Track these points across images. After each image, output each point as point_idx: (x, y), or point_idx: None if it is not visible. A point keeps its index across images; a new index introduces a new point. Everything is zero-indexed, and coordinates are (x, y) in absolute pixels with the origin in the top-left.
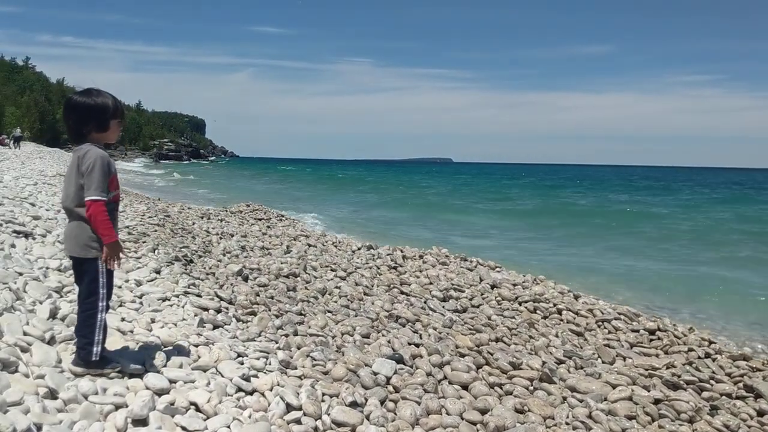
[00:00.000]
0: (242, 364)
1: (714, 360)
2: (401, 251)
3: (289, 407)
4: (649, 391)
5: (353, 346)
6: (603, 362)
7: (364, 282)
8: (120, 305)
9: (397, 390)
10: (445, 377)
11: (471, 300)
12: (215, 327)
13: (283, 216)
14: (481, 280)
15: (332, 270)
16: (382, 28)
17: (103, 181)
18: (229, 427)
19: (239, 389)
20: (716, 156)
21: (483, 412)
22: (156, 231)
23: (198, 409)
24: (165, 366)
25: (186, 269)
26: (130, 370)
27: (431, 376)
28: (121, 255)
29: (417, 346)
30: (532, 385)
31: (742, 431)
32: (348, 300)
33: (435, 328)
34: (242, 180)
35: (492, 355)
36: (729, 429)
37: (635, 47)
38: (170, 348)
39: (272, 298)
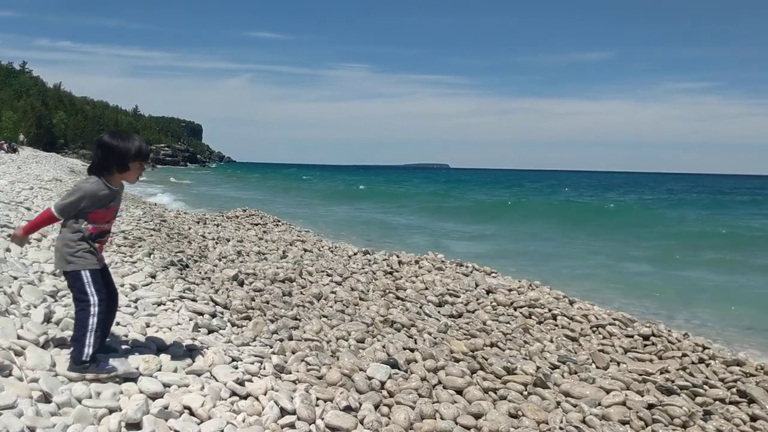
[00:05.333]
0: (237, 368)
1: (708, 365)
2: (397, 256)
3: (283, 411)
4: (642, 396)
5: (348, 350)
6: (597, 367)
7: (359, 287)
8: None
9: (391, 394)
10: (439, 382)
11: (466, 305)
12: (210, 331)
13: (279, 221)
14: (477, 285)
15: (328, 275)
16: (380, 35)
17: (69, 204)
18: (223, 431)
19: (233, 393)
20: (714, 162)
21: (477, 416)
22: (152, 236)
23: (192, 413)
24: (159, 370)
25: (181, 274)
26: (123, 373)
27: (426, 381)
28: (15, 243)
29: (412, 350)
30: (526, 390)
31: None
32: (343, 305)
33: (430, 333)
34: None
35: (487, 360)
36: None
37: (633, 54)
38: (165, 352)
39: (267, 302)
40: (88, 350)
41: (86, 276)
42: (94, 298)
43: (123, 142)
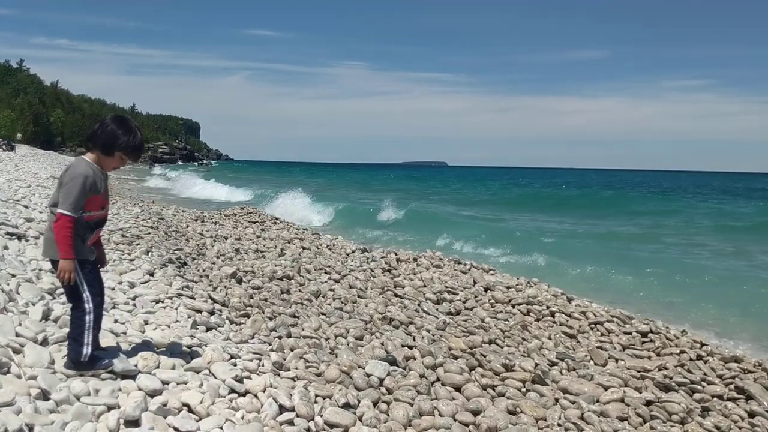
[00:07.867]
0: (235, 365)
1: (706, 362)
2: (395, 254)
3: (282, 408)
4: (640, 393)
5: (346, 348)
6: (595, 364)
7: (358, 285)
8: (113, 307)
9: (390, 391)
10: (438, 379)
11: (464, 302)
12: (208, 329)
13: (277, 219)
14: (475, 282)
15: (326, 273)
16: (377, 32)
17: (78, 199)
18: (221, 428)
19: (232, 390)
20: (711, 160)
21: (475, 413)
22: (150, 233)
23: (190, 410)
24: (158, 367)
25: (180, 272)
26: (122, 371)
27: (424, 378)
28: (70, 276)
29: (410, 348)
30: (524, 387)
31: None
32: (342, 302)
33: (428, 331)
34: None
35: (485, 357)
36: (720, 430)
37: (630, 53)
38: (163, 349)
39: (266, 300)
40: (86, 350)
41: (77, 268)
42: (86, 294)
43: (120, 128)
